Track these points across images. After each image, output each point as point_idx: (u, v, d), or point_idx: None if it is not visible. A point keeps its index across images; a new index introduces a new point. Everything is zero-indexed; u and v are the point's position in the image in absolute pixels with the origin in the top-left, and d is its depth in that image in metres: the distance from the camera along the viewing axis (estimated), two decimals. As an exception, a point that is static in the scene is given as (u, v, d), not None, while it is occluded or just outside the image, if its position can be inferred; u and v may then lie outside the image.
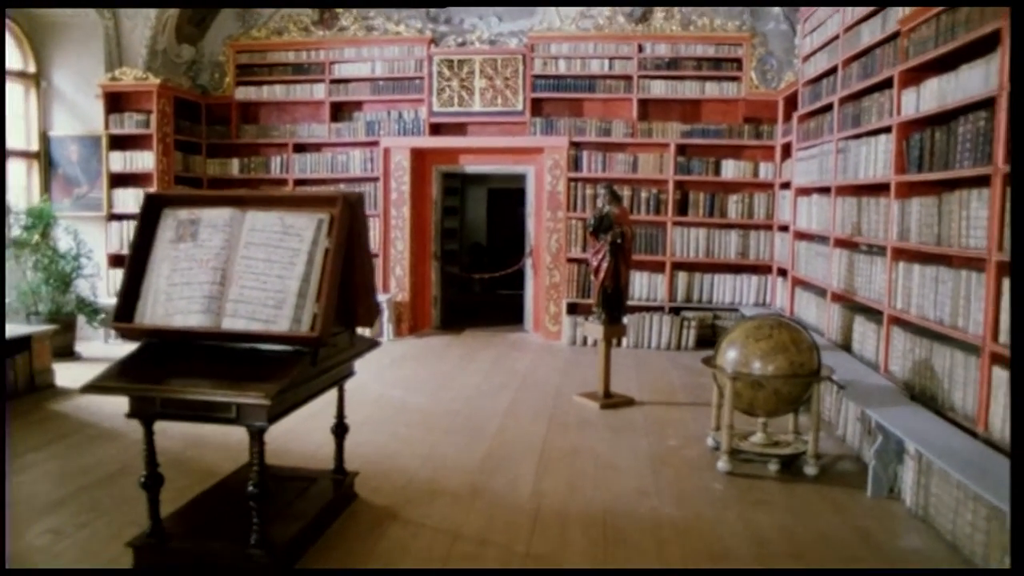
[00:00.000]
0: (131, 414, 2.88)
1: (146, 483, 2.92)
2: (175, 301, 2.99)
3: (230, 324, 2.92)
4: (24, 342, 5.53)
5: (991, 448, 3.31)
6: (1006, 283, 3.32)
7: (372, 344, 3.72)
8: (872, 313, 4.99)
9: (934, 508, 3.43)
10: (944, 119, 4.01)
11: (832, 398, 4.99)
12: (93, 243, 7.35)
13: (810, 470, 4.10)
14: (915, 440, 3.51)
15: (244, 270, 3.00)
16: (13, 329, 5.72)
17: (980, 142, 3.57)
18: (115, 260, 7.64)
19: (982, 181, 3.53)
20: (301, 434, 4.53)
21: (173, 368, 2.93)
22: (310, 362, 2.92)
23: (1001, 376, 3.34)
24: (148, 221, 3.15)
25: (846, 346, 5.38)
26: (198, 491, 3.47)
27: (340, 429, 3.67)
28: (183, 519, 3.13)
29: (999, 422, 3.34)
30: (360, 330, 3.57)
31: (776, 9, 7.76)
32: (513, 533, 3.35)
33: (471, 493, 3.82)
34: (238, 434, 4.10)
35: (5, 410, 1.62)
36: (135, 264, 3.08)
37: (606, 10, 7.86)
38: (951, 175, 3.86)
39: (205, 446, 4.36)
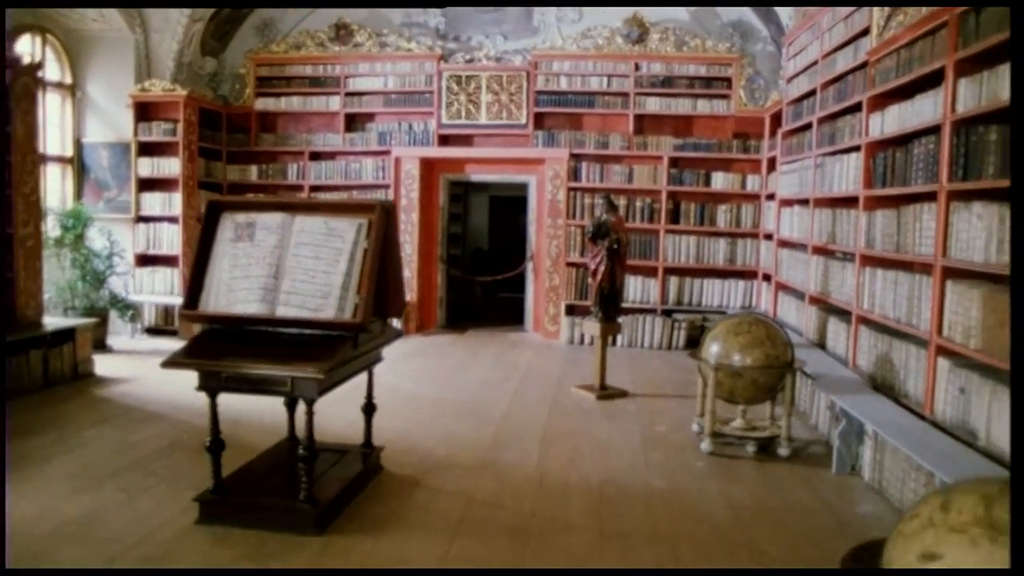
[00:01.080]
0: (200, 387, 3.38)
1: (211, 447, 3.42)
2: (236, 292, 3.50)
3: (283, 312, 3.43)
4: (69, 333, 6.02)
5: (935, 428, 3.83)
6: (949, 285, 3.84)
7: (398, 333, 4.23)
8: (843, 314, 5.51)
9: (887, 480, 3.95)
10: (903, 141, 4.54)
11: (807, 391, 5.51)
12: (122, 244, 7.85)
13: (783, 451, 4.61)
14: (873, 422, 4.03)
15: (295, 266, 3.51)
16: (56, 322, 6.22)
17: (930, 162, 4.10)
18: (142, 260, 8.15)
19: (932, 196, 4.06)
20: (329, 416, 4.99)
21: (233, 349, 3.43)
22: (352, 345, 3.43)
23: (944, 365, 3.86)
24: (210, 223, 3.66)
25: (821, 344, 5.90)
26: (242, 462, 3.96)
27: (369, 408, 4.17)
28: (236, 481, 3.62)
29: (942, 405, 3.86)
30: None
31: (764, 32, 8.30)
32: (521, 497, 3.86)
33: (482, 466, 4.33)
34: (271, 415, 4.64)
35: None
36: (199, 260, 3.59)
37: (605, 31, 8.39)
38: (907, 191, 4.39)
39: (242, 426, 4.83)
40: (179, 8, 7.90)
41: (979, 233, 3.54)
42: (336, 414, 4.87)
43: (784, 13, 7.51)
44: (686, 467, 4.42)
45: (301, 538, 3.27)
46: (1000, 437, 3.31)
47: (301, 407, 3.40)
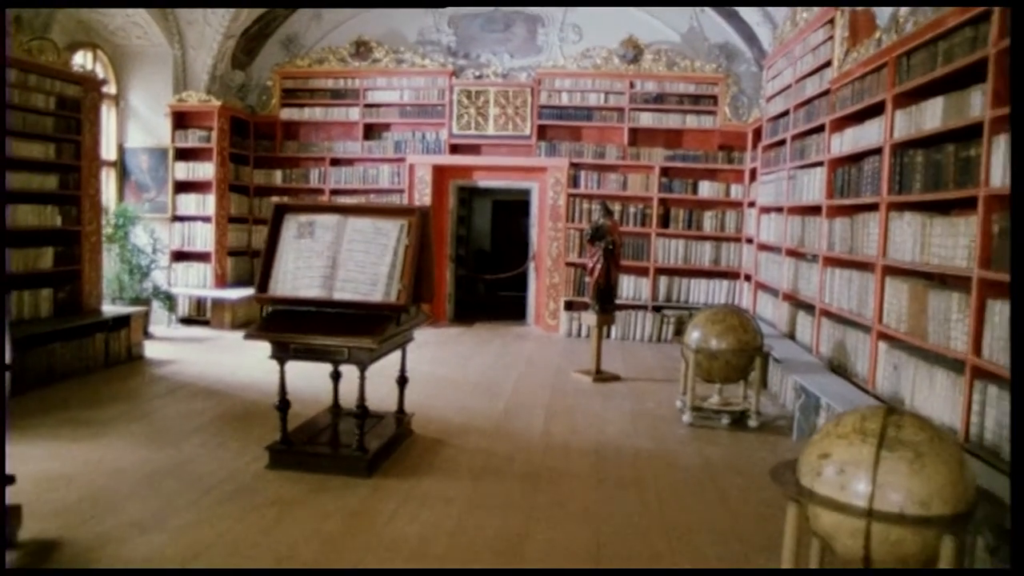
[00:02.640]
0: (272, 356, 4.14)
1: (279, 406, 4.19)
2: (299, 279, 4.27)
3: (340, 295, 4.20)
4: (125, 320, 6.77)
5: (875, 399, 4.61)
6: (888, 281, 4.63)
7: (427, 318, 5.00)
8: (809, 308, 6.29)
9: (835, 443, 4.73)
10: (856, 159, 5.33)
11: (777, 374, 6.29)
12: (164, 240, 8.61)
13: (752, 423, 5.40)
14: (826, 396, 4.81)
15: (348, 258, 4.28)
16: (113, 310, 6.96)
17: (875, 178, 4.89)
18: (177, 255, 8.91)
19: (875, 207, 4.84)
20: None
21: (297, 326, 4.19)
22: (396, 323, 4.21)
23: (883, 348, 4.65)
24: (276, 223, 4.43)
25: (791, 335, 6.69)
26: (294, 425, 4.71)
27: (402, 380, 4.95)
28: (296, 435, 4.39)
29: (881, 380, 4.64)
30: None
31: (748, 54, 9.10)
32: (530, 454, 4.64)
33: (496, 431, 5.10)
34: (312, 390, 5.36)
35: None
36: (268, 253, 4.36)
37: (603, 51, 9.18)
38: (859, 201, 5.18)
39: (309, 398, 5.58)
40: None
41: (908, 237, 4.33)
42: (368, 388, 5.61)
43: (765, 38, 8.31)
44: (669, 434, 5.20)
45: (355, 479, 4.04)
46: (922, 403, 4.08)
47: (346, 379, 4.16)
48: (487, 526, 3.52)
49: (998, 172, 3.40)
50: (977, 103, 3.65)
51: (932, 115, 4.15)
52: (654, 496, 4.00)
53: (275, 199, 9.52)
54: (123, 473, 4.02)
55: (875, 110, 4.99)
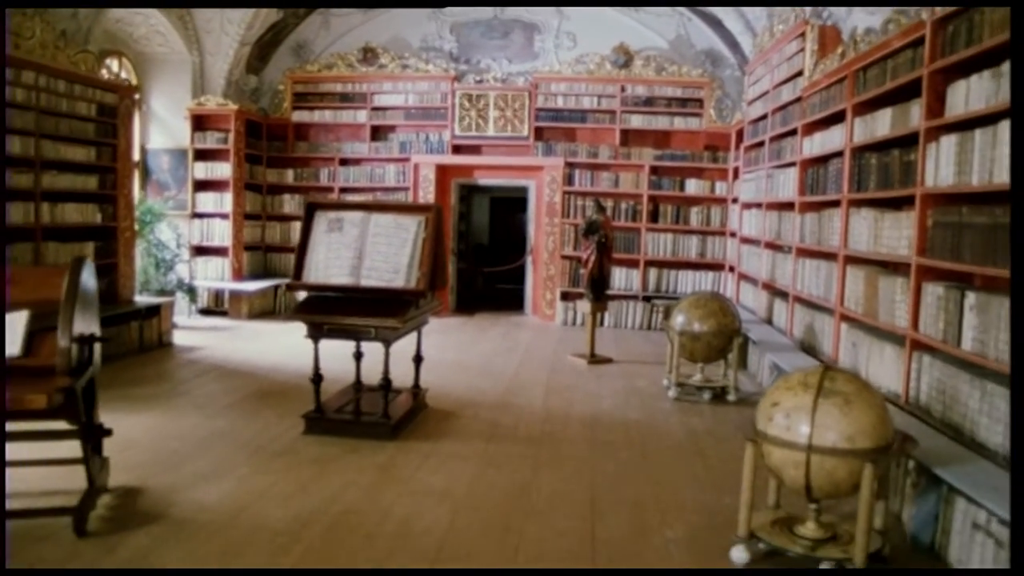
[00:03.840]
0: (308, 335, 4.73)
1: (313, 379, 4.79)
2: (330, 268, 4.86)
3: (366, 282, 4.79)
4: (155, 309, 7.35)
5: (836, 372, 5.22)
6: (848, 269, 5.24)
7: (441, 303, 5.59)
8: (784, 295, 6.91)
9: (802, 412, 5.34)
10: (823, 160, 5.94)
11: (756, 356, 6.90)
12: (186, 236, 9.17)
13: (731, 397, 6.01)
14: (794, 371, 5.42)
15: (372, 250, 4.87)
16: (145, 300, 7.54)
17: (838, 178, 5.50)
18: (197, 250, 9.47)
19: (838, 203, 5.46)
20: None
21: (329, 308, 4.78)
22: (415, 306, 4.80)
23: (844, 328, 5.27)
24: (308, 219, 5.01)
25: (769, 320, 7.31)
26: (321, 399, 5.29)
27: (418, 359, 5.54)
28: (326, 406, 4.97)
29: (843, 356, 5.25)
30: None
31: (732, 60, 9.71)
32: (533, 423, 5.24)
33: (501, 405, 5.70)
34: (333, 371, 5.91)
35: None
36: (302, 246, 4.94)
37: (596, 57, 9.77)
38: (825, 198, 5.79)
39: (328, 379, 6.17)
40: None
41: (864, 230, 4.95)
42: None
43: (747, 45, 8.91)
44: (657, 407, 5.81)
45: (381, 442, 4.63)
46: (874, 374, 4.69)
47: (369, 357, 4.73)
48: (499, 477, 4.13)
49: (931, 174, 4.02)
50: (916, 115, 4.26)
51: (883, 123, 4.76)
52: (641, 455, 4.61)
53: (289, 196, 10.13)
54: (179, 438, 4.61)
55: (838, 117, 5.60)
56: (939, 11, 4.00)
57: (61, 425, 3.31)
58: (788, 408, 3.05)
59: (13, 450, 3.74)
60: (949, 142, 3.82)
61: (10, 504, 3.21)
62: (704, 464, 4.46)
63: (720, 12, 8.97)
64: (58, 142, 6.20)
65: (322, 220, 5.01)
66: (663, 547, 3.32)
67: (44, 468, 3.62)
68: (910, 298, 4.16)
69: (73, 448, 3.38)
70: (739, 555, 3.15)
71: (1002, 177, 3.33)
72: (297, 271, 4.91)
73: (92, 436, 3.31)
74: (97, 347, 3.49)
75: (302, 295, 9.29)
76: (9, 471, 3.58)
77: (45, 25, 5.95)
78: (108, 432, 3.46)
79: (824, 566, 3.03)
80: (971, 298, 3.57)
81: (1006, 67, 3.36)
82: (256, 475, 4.02)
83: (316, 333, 4.73)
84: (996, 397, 3.33)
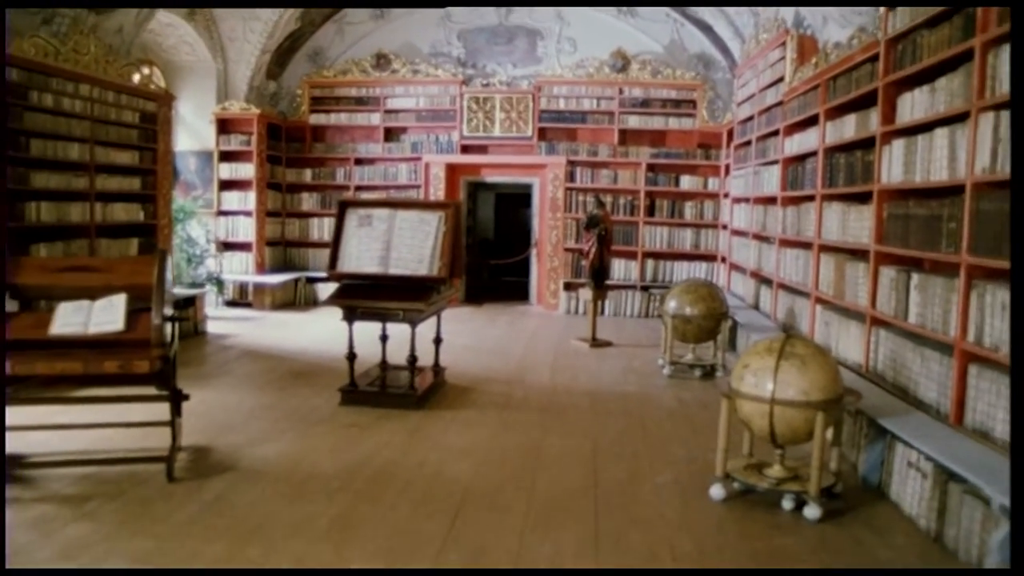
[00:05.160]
0: (343, 318, 5.37)
1: (348, 356, 5.43)
2: (361, 259, 5.49)
3: (394, 271, 5.43)
4: (191, 300, 7.98)
5: (811, 349, 5.85)
6: (822, 256, 5.87)
7: (457, 291, 6.22)
8: (769, 283, 7.53)
9: (781, 385, 5.98)
10: (802, 159, 6.57)
11: (744, 337, 7.53)
12: (215, 233, 9.82)
13: (720, 375, 6.64)
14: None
15: (399, 242, 5.50)
16: (179, 292, 8.16)
17: (813, 175, 6.13)
18: (222, 246, 10.11)
19: (813, 198, 6.09)
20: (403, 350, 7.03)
21: (362, 294, 5.41)
22: (437, 292, 5.44)
23: (819, 310, 5.90)
24: (340, 216, 5.65)
25: (756, 306, 7.94)
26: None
27: (438, 340, 6.18)
28: (359, 380, 5.61)
29: (818, 335, 5.87)
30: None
31: (723, 63, 10.33)
32: (541, 396, 5.89)
33: (513, 381, 6.35)
34: (359, 354, 6.50)
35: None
36: (336, 240, 5.58)
37: (595, 61, 10.39)
38: (803, 193, 6.42)
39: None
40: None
41: (834, 222, 5.58)
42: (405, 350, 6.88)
43: (736, 50, 9.53)
44: (652, 383, 6.45)
45: (408, 411, 5.28)
46: (842, 349, 5.33)
47: (391, 340, 5.36)
48: (513, 438, 4.77)
49: (886, 172, 4.65)
50: (874, 121, 4.88)
51: (849, 127, 5.39)
52: (638, 421, 5.26)
53: (308, 194, 10.76)
54: (231, 409, 5.25)
55: (814, 120, 6.22)
56: (891, 30, 4.63)
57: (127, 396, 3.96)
58: (756, 369, 3.69)
59: (103, 414, 4.42)
60: (899, 145, 4.46)
61: (108, 455, 3.86)
62: (691, 428, 5.11)
63: (710, 18, 9.58)
64: (108, 148, 6.83)
65: (353, 216, 5.64)
66: (653, 488, 3.97)
67: (126, 429, 4.27)
68: (869, 281, 4.80)
69: (145, 413, 4.04)
70: (716, 491, 3.80)
71: (939, 176, 3.96)
72: (332, 262, 5.55)
73: (176, 399, 3.95)
74: (176, 325, 4.13)
75: (321, 287, 10.01)
76: (100, 432, 4.25)
77: (98, 42, 6.58)
78: (187, 396, 4.10)
79: (786, 499, 3.67)
80: (915, 279, 4.21)
81: (940, 83, 4.00)
82: (303, 437, 4.67)
83: (351, 316, 5.37)
84: (931, 361, 3.97)
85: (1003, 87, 3.37)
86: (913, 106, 4.33)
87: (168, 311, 4.11)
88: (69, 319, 3.70)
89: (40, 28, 6.14)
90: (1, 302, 3.89)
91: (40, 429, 4.10)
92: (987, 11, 3.54)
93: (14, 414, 3.90)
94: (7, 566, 2.86)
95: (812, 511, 3.54)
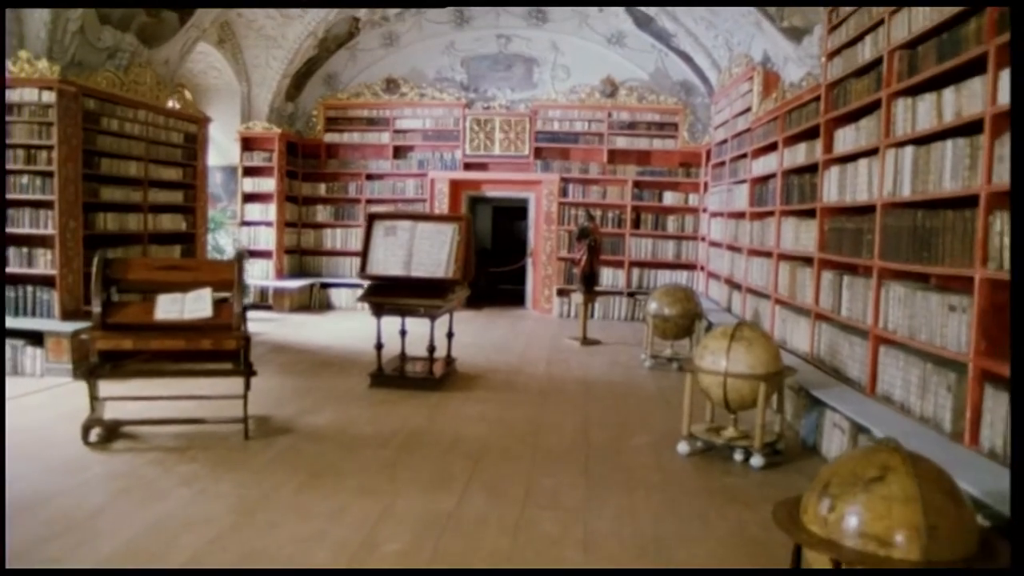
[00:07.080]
0: (372, 313, 6.32)
1: (377, 345, 6.37)
2: (388, 263, 6.45)
3: (415, 273, 6.38)
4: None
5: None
6: (780, 264, 6.86)
7: (470, 292, 7.19)
8: (739, 287, 8.53)
9: (746, 374, 6.95)
10: (766, 179, 7.57)
11: (716, 337, 8.50)
12: (242, 242, 10.76)
13: (694, 367, 7.61)
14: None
15: (419, 249, 6.46)
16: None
17: (774, 194, 7.13)
18: (247, 254, 11.03)
19: (773, 213, 7.08)
20: (419, 345, 7.96)
21: (388, 292, 6.36)
22: (452, 291, 6.40)
23: (777, 309, 6.89)
24: (369, 227, 6.61)
25: (729, 309, 8.93)
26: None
27: (450, 334, 7.13)
28: (385, 367, 6.55)
29: (777, 332, 6.86)
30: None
31: (703, 89, 11.36)
32: (539, 383, 6.84)
33: (514, 371, 7.30)
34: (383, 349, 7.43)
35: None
36: (365, 247, 6.53)
37: (587, 87, 11.41)
38: (766, 209, 7.42)
39: (369, 354, 7.75)
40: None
41: (789, 234, 6.57)
42: (421, 342, 7.82)
43: (714, 79, 10.56)
44: (635, 374, 7.42)
45: (428, 392, 6.22)
46: (795, 342, 6.31)
47: (413, 334, 6.31)
48: (518, 411, 5.73)
49: (826, 193, 5.65)
50: (818, 150, 5.89)
51: (800, 154, 6.40)
52: (622, 401, 6.22)
53: (322, 206, 11.68)
54: (276, 390, 6.18)
55: (774, 146, 7.23)
56: (830, 76, 5.65)
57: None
58: (713, 349, 4.67)
59: (189, 387, 5.34)
60: (835, 171, 5.46)
61: (190, 419, 4.80)
62: (667, 407, 6.07)
63: (690, 50, 10.62)
64: (158, 165, 7.77)
65: (380, 227, 6.60)
66: (633, 446, 4.93)
67: (199, 401, 5.21)
68: (813, 283, 5.79)
69: (217, 388, 4.97)
70: (682, 447, 4.77)
71: (862, 197, 4.96)
72: (363, 265, 6.50)
73: (249, 373, 4.89)
74: (248, 314, 5.07)
75: (334, 292, 10.90)
76: (177, 403, 5.18)
77: (152, 72, 7.54)
78: (256, 372, 5.04)
79: (737, 452, 4.64)
80: (846, 280, 5.21)
81: (862, 122, 5.01)
82: (344, 411, 5.61)
83: (378, 311, 6.32)
84: (856, 346, 4.96)
85: (902, 129, 4.38)
86: (845, 140, 5.35)
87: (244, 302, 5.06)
88: (168, 308, 4.65)
89: (106, 62, 7.08)
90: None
91: (135, 400, 5.03)
92: (891, 67, 4.55)
93: (114, 387, 4.83)
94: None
95: (756, 460, 4.51)
